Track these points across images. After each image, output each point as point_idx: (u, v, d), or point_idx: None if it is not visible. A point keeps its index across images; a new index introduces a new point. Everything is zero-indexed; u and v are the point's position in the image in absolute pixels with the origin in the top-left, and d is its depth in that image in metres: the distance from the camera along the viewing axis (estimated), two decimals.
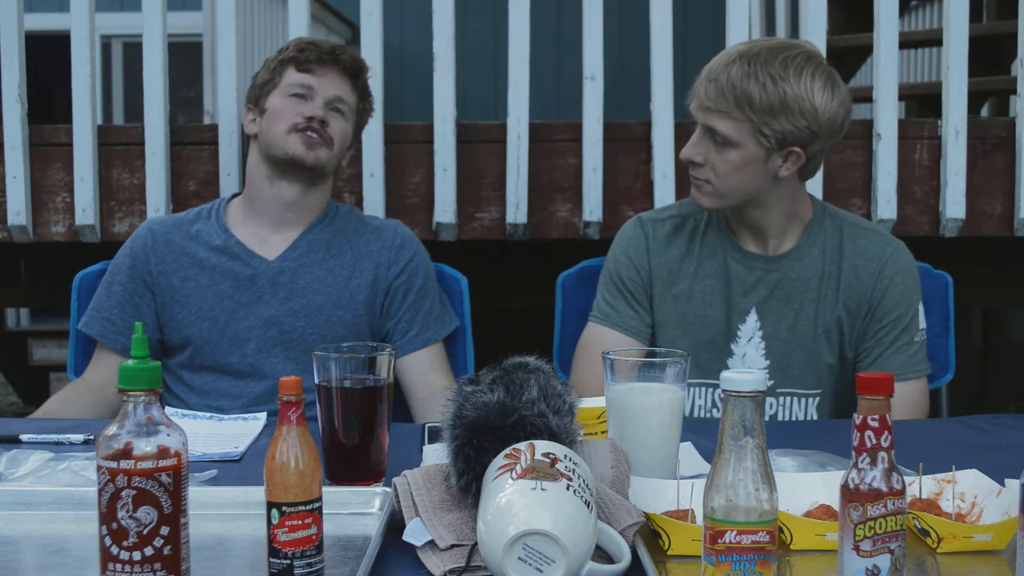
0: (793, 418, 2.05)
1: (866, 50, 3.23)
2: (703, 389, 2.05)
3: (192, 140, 2.90)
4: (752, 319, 2.04)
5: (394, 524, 1.28)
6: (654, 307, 2.09)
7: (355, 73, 2.20)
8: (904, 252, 2.07)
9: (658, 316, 2.09)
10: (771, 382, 2.04)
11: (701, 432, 1.69)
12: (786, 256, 2.04)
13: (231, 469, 1.58)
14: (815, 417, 2.06)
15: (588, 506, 1.13)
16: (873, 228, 2.10)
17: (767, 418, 2.02)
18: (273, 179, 2.16)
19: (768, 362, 2.04)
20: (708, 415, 2.04)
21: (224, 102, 2.84)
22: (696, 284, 2.06)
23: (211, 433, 1.77)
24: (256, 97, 2.19)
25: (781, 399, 2.05)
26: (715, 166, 1.94)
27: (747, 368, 2.03)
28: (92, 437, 1.69)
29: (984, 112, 4.54)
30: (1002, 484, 1.34)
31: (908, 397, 2.01)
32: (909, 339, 2.03)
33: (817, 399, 2.05)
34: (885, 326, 2.02)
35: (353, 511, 1.36)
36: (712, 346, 2.05)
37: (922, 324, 2.05)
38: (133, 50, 7.50)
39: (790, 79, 1.88)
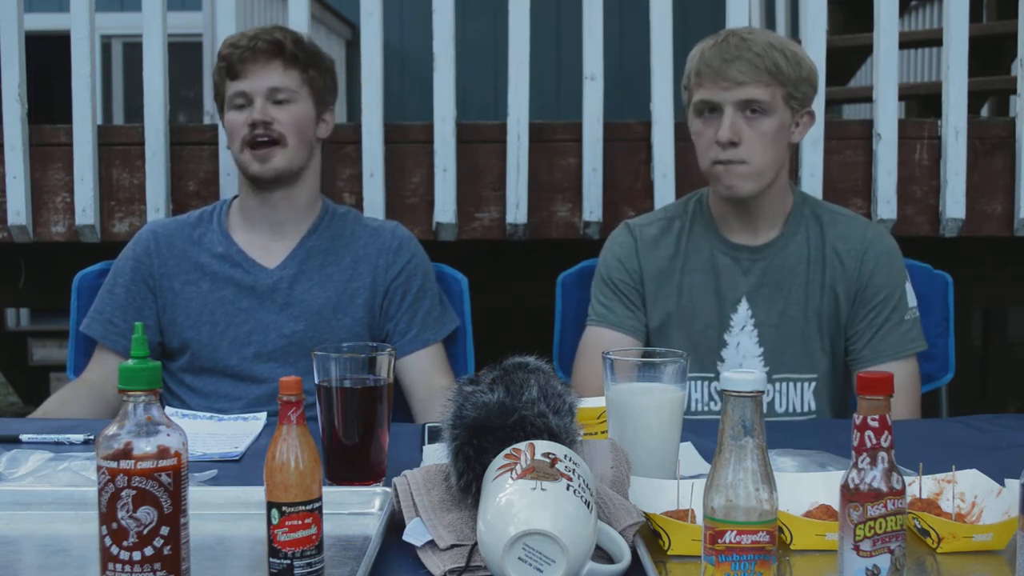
0: (790, 404, 2.08)
1: (866, 50, 3.23)
2: (699, 383, 2.08)
3: (192, 140, 2.90)
4: (743, 308, 2.07)
5: (394, 524, 1.28)
6: (647, 306, 2.11)
7: (280, 52, 2.10)
8: (885, 235, 2.12)
9: (652, 314, 2.11)
10: (767, 369, 2.06)
11: (701, 432, 1.69)
12: (771, 245, 2.08)
13: (231, 469, 1.58)
14: (812, 402, 2.08)
15: (588, 506, 1.13)
16: (851, 214, 2.15)
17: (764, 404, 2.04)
18: (252, 188, 2.17)
19: (762, 349, 2.06)
20: (706, 408, 2.07)
21: None
22: (686, 279, 2.09)
23: (211, 433, 1.77)
24: (218, 105, 2.20)
25: (777, 385, 2.07)
26: (751, 142, 1.97)
27: (742, 357, 2.06)
28: (92, 437, 1.69)
29: (984, 112, 4.53)
30: (1002, 484, 1.34)
31: (905, 375, 2.03)
32: (900, 318, 2.05)
33: (813, 384, 2.08)
34: (875, 307, 2.05)
35: (353, 511, 1.36)
36: (706, 337, 2.08)
37: (911, 303, 2.07)
38: (133, 50, 7.50)
39: (791, 47, 1.99)
